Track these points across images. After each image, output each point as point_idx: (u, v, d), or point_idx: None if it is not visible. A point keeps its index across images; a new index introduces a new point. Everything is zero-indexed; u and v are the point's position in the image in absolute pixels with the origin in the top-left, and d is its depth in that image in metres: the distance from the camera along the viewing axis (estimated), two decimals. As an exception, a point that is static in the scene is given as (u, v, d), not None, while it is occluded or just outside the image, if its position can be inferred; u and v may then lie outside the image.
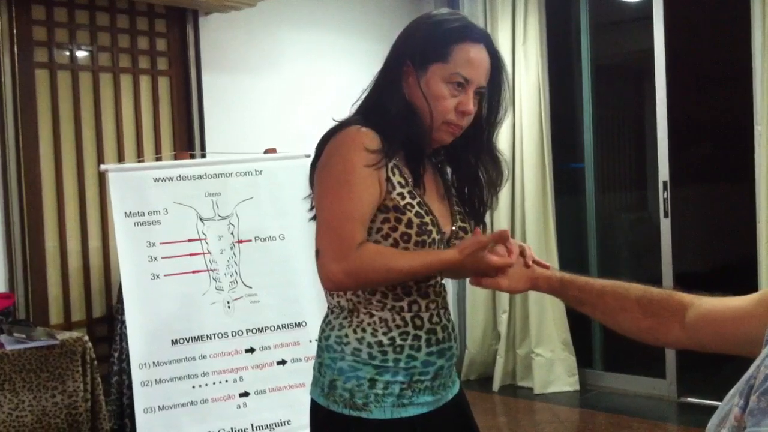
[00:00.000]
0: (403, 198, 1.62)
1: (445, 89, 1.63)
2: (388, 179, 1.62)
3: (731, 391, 0.85)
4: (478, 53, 1.64)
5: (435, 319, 1.68)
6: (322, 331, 1.73)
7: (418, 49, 1.65)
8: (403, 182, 1.64)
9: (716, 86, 6.02)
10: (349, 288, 1.63)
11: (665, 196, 4.58)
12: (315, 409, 1.70)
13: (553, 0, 4.92)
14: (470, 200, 1.79)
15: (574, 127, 5.09)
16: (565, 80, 5.23)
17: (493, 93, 1.71)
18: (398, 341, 1.64)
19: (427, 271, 1.62)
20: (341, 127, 1.66)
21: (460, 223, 1.73)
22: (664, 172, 4.59)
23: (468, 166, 1.76)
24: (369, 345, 1.63)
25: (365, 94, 1.73)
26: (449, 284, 1.84)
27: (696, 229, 5.92)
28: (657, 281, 4.64)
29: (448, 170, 1.82)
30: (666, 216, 4.59)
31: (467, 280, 1.70)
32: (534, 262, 1.66)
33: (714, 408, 0.91)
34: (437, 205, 1.70)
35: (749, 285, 4.11)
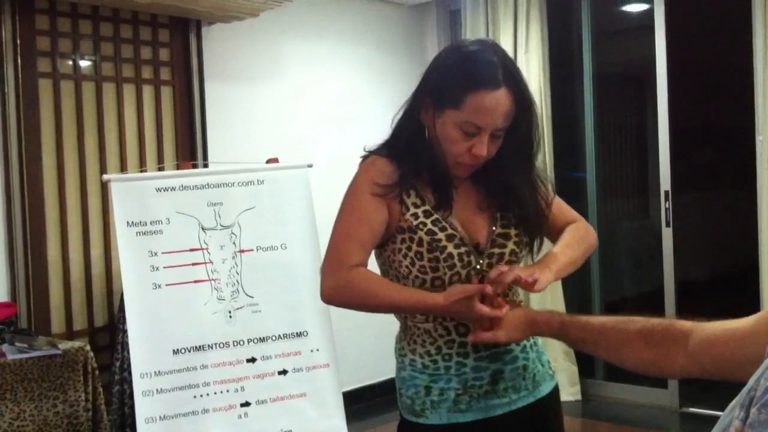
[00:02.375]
0: (417, 218, 1.67)
1: (458, 134, 1.63)
2: (402, 202, 1.68)
3: (732, 403, 0.85)
4: (492, 100, 1.59)
5: None
6: (395, 343, 1.82)
7: (435, 90, 1.65)
8: (418, 203, 1.68)
9: (718, 95, 6.02)
10: (336, 304, 1.71)
11: (667, 206, 4.58)
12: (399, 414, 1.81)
13: (555, 8, 4.93)
14: (509, 205, 1.74)
15: (575, 135, 5.09)
16: (566, 89, 5.24)
17: (517, 129, 1.66)
18: (445, 350, 1.69)
19: (409, 309, 1.68)
20: (365, 157, 1.75)
21: (500, 230, 1.71)
22: (665, 180, 4.59)
23: (498, 178, 1.72)
24: (420, 355, 1.71)
25: (397, 116, 1.75)
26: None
27: (698, 238, 5.91)
28: (659, 290, 4.63)
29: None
30: (668, 225, 4.58)
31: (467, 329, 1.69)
32: (521, 281, 1.59)
33: (715, 418, 0.91)
34: (471, 217, 1.71)
35: (751, 293, 4.10)
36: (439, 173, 1.69)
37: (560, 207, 1.84)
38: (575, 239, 1.77)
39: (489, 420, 1.68)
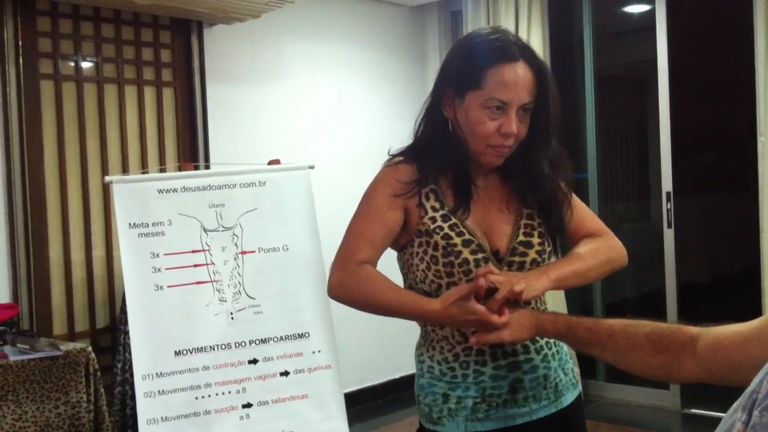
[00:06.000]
0: (434, 222, 1.65)
1: (484, 115, 1.60)
2: (421, 205, 1.66)
3: (734, 405, 0.85)
4: (513, 73, 1.59)
5: None
6: (415, 349, 1.80)
7: (454, 77, 1.64)
8: (437, 206, 1.67)
9: (719, 96, 6.02)
10: (340, 299, 1.69)
11: (668, 207, 4.58)
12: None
13: (556, 10, 4.93)
14: (534, 208, 1.71)
15: (577, 137, 5.09)
16: (568, 90, 5.23)
17: (540, 106, 1.64)
18: (462, 357, 1.66)
19: (404, 314, 1.64)
20: (388, 161, 1.75)
21: (522, 238, 1.68)
22: (667, 182, 4.59)
23: (524, 176, 1.70)
24: (438, 362, 1.69)
25: (418, 118, 1.74)
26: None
27: (699, 239, 5.91)
28: (660, 291, 4.63)
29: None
30: (669, 226, 4.59)
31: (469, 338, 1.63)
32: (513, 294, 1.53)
33: (717, 419, 0.91)
34: (493, 223, 1.68)
35: (753, 295, 4.10)
36: (461, 172, 1.67)
37: (583, 216, 1.79)
38: (590, 250, 1.71)
39: (508, 430, 1.65)
